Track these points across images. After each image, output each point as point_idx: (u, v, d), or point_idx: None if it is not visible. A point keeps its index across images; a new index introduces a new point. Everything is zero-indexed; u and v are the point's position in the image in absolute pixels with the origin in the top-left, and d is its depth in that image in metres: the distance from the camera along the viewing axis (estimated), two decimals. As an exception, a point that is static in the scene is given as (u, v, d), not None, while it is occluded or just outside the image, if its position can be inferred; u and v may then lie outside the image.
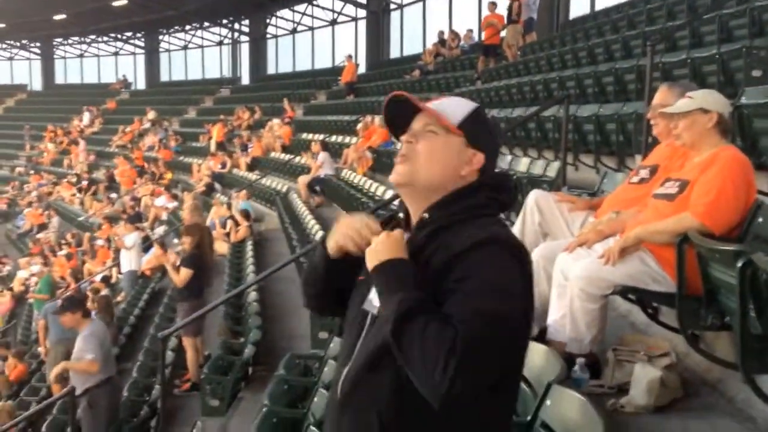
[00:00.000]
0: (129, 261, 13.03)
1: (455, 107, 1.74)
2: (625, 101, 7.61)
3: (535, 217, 4.04)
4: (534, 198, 4.07)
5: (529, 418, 2.62)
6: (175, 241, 13.22)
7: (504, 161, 8.61)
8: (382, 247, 1.64)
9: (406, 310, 1.53)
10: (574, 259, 3.33)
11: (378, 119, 14.18)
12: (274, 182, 16.38)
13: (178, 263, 7.74)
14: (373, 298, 1.68)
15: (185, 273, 7.41)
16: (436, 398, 1.49)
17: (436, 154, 1.69)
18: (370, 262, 1.65)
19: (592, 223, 3.60)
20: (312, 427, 3.57)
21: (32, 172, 28.31)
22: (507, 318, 1.53)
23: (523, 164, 7.93)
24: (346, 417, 1.68)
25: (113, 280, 14.19)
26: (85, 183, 23.46)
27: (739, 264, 2.46)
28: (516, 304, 1.56)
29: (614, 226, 3.39)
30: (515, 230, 4.14)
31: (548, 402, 2.58)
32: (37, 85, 39.86)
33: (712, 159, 3.18)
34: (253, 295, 8.26)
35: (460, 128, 1.70)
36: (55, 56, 39.90)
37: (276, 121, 20.60)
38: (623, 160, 6.83)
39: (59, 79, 39.93)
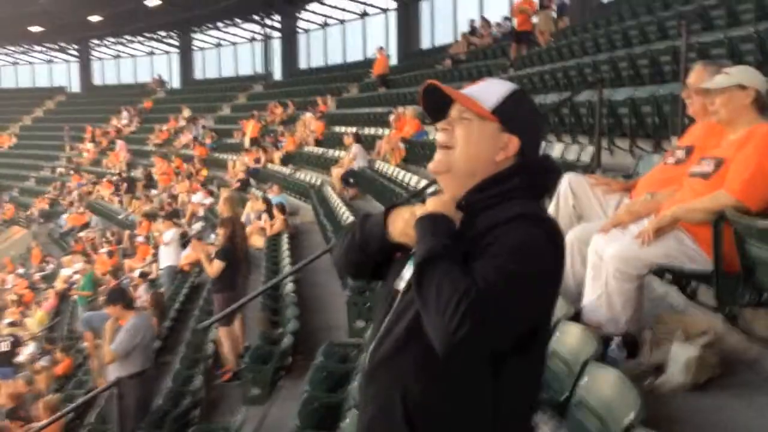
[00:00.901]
0: (168, 256, 13.20)
1: (491, 91, 1.72)
2: (660, 83, 7.52)
3: (569, 200, 4.02)
4: (568, 181, 4.06)
5: (565, 395, 2.63)
6: (213, 236, 13.42)
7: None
8: (430, 203, 1.68)
9: (432, 255, 1.56)
10: (608, 240, 3.33)
11: (410, 110, 14.19)
12: (308, 176, 16.50)
13: (212, 256, 7.87)
14: (405, 276, 1.71)
15: (218, 265, 7.52)
16: (442, 343, 1.50)
17: (471, 141, 1.69)
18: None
19: (627, 204, 3.58)
20: (352, 410, 3.62)
21: (72, 172, 28.91)
22: (527, 277, 1.54)
23: (557, 150, 7.90)
24: (371, 389, 1.72)
25: (153, 275, 14.46)
26: (124, 183, 23.92)
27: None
28: (539, 267, 1.57)
29: (649, 206, 3.37)
30: (549, 213, 4.15)
31: (585, 379, 2.59)
32: (75, 86, 40.64)
33: (748, 136, 3.15)
34: (290, 286, 8.36)
35: (494, 113, 1.69)
36: (91, 58, 40.63)
37: (309, 115, 20.72)
38: (659, 142, 6.76)
39: (97, 81, 40.68)
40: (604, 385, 2.48)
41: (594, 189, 3.96)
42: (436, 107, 1.76)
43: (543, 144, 1.82)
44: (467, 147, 1.69)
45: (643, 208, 3.36)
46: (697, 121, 3.75)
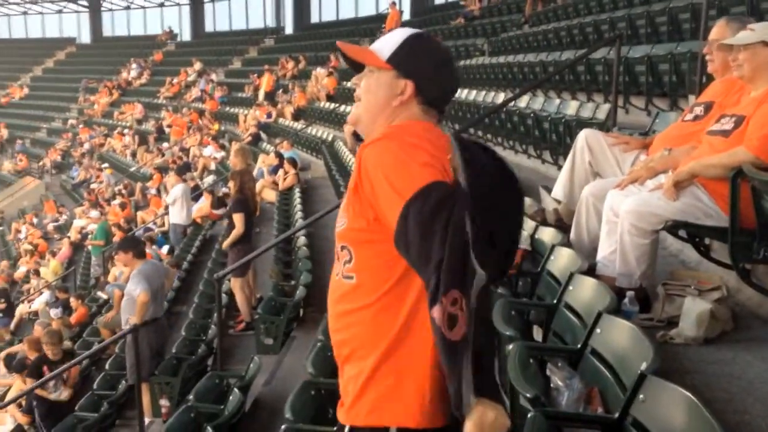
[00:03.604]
0: (174, 214, 13.05)
1: (388, 42, 1.83)
2: (679, 41, 7.43)
3: (585, 156, 4.02)
4: (584, 137, 4.05)
5: (579, 345, 2.68)
6: (224, 189, 13.46)
7: (552, 104, 8.53)
8: None
9: None
10: (624, 195, 3.34)
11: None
12: (320, 131, 16.46)
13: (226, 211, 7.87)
14: None
15: (238, 218, 7.55)
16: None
17: (370, 91, 1.81)
18: None
19: (644, 160, 3.59)
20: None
21: (82, 125, 28.92)
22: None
23: (572, 107, 7.85)
24: None
25: (165, 229, 14.51)
26: (136, 137, 23.93)
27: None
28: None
29: (666, 162, 3.37)
30: (564, 170, 4.15)
31: (598, 330, 2.63)
32: (85, 37, 40.38)
33: None
34: (302, 239, 8.44)
35: (389, 62, 1.79)
36: (102, 9, 40.28)
37: (320, 70, 20.58)
38: (676, 101, 6.71)
39: (107, 32, 40.38)
40: (617, 336, 2.52)
41: (611, 145, 3.96)
42: (357, 65, 1.87)
43: (448, 84, 1.84)
44: (367, 97, 1.82)
45: (660, 163, 3.36)
46: (717, 78, 3.72)
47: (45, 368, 7.81)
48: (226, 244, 7.70)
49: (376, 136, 1.72)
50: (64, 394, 7.90)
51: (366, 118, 1.83)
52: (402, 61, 1.79)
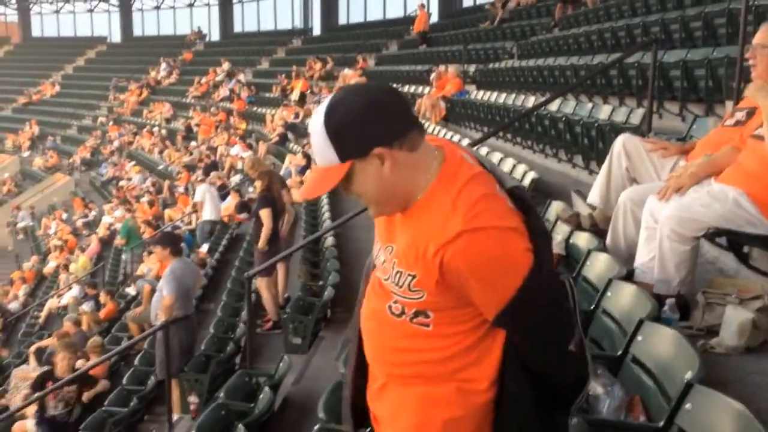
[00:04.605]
0: (203, 212, 13.25)
1: (320, 147, 1.63)
2: (714, 46, 7.34)
3: (623, 162, 3.99)
4: (622, 142, 4.02)
5: (620, 352, 2.66)
6: (251, 189, 13.53)
7: (584, 108, 8.47)
8: None
9: None
10: (665, 202, 3.31)
11: (452, 68, 14.05)
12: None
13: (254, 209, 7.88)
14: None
15: (265, 213, 7.57)
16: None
17: (366, 190, 1.66)
18: None
19: (685, 166, 3.54)
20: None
21: (111, 123, 29.26)
22: None
23: (604, 112, 7.79)
24: None
25: (192, 226, 14.65)
26: (164, 133, 24.14)
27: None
28: None
29: (708, 167, 3.33)
30: (601, 175, 4.12)
31: (639, 337, 2.61)
32: (116, 37, 40.89)
33: None
34: (330, 240, 8.46)
35: (346, 159, 1.61)
36: (132, 9, 40.75)
37: (348, 71, 20.62)
38: (712, 106, 6.63)
39: (137, 32, 40.84)
40: (660, 343, 2.50)
41: (649, 152, 3.92)
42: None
43: (395, 113, 1.64)
44: (372, 196, 1.68)
45: (702, 169, 3.32)
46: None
47: (49, 384, 7.52)
48: (261, 244, 7.64)
49: (454, 232, 1.56)
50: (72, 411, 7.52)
51: (387, 205, 1.69)
52: (348, 147, 1.61)
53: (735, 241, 3.31)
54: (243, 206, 12.50)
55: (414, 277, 1.64)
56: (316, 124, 1.63)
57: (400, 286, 1.67)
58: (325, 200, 11.07)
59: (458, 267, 1.57)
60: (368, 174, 1.63)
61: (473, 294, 1.61)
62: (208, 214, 13.09)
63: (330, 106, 1.62)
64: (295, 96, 20.99)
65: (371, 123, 1.60)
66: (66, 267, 16.66)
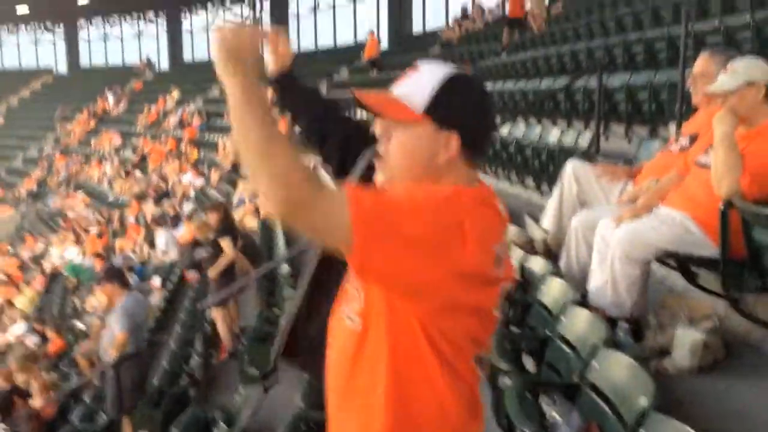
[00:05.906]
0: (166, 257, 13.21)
1: (421, 86, 1.50)
2: (656, 70, 7.55)
3: (573, 188, 4.08)
4: (571, 168, 4.10)
5: (576, 379, 2.67)
6: (203, 216, 13.36)
7: (533, 132, 8.61)
8: None
9: None
10: (616, 226, 3.36)
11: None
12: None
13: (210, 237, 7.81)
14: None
15: (226, 243, 7.48)
16: None
17: (406, 150, 1.49)
18: None
19: (634, 191, 3.62)
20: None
21: (59, 153, 28.66)
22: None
23: (553, 135, 7.93)
24: None
25: (145, 256, 14.39)
26: (116, 163, 23.75)
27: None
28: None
29: (657, 196, 3.40)
30: (552, 200, 4.19)
31: (595, 364, 2.63)
32: (62, 68, 40.13)
33: (759, 131, 3.12)
34: (285, 268, 8.37)
35: (426, 113, 1.47)
36: (79, 39, 40.10)
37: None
38: (656, 128, 6.80)
39: (84, 62, 40.18)
40: (615, 369, 2.52)
41: (598, 177, 4.01)
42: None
43: (492, 130, 1.58)
44: (402, 157, 1.49)
45: (652, 198, 3.38)
46: (701, 109, 3.77)
47: (15, 399, 7.39)
48: (213, 273, 7.55)
49: None
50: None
51: (403, 179, 1.50)
52: (442, 110, 1.47)
53: (684, 262, 3.37)
54: (193, 265, 12.17)
55: None
56: (437, 69, 1.51)
57: None
58: (279, 226, 10.98)
59: None
60: (421, 143, 1.48)
61: None
62: (171, 256, 13.01)
63: (461, 72, 1.52)
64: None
65: (474, 115, 1.51)
66: (10, 302, 16.13)
